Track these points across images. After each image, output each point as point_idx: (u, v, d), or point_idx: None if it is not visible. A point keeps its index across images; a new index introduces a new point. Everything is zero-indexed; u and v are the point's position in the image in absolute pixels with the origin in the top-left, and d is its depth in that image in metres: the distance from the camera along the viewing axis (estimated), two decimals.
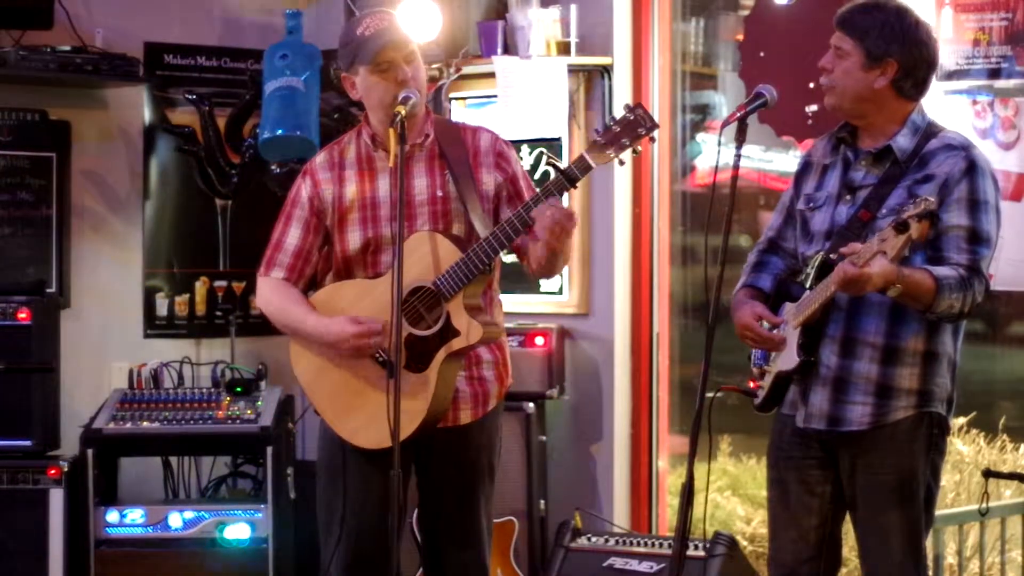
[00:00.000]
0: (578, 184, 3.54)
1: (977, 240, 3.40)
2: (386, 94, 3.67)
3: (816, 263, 3.46)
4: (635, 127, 3.48)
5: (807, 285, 3.47)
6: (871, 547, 3.50)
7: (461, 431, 3.76)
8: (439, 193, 3.72)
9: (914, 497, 3.47)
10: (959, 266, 3.37)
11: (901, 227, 3.18)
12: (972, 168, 3.43)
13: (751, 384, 3.64)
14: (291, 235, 3.82)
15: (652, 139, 3.52)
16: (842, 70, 3.49)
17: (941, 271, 3.33)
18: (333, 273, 3.82)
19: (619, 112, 3.51)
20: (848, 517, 3.60)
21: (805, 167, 3.69)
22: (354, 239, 3.75)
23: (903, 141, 3.49)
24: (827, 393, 3.50)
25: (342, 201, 3.76)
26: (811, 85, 4.62)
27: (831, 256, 3.39)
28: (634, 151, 3.51)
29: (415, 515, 4.62)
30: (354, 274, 3.78)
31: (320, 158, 3.85)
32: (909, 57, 3.46)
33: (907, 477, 3.46)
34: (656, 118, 5.20)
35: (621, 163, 3.55)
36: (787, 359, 3.50)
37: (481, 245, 3.57)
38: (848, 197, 3.52)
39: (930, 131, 3.52)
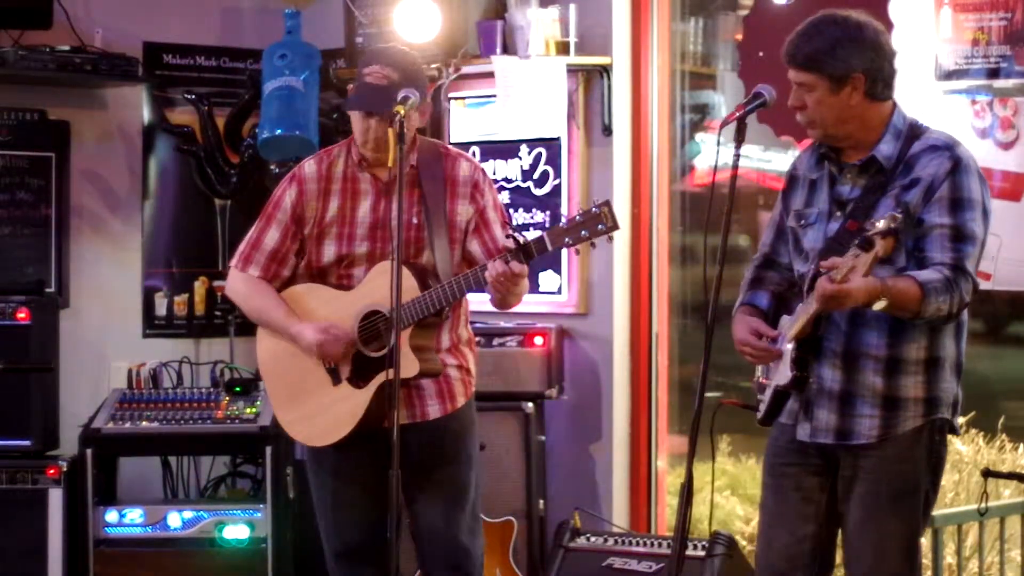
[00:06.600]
0: (532, 260, 3.65)
1: (961, 238, 3.35)
2: (359, 136, 3.82)
3: (809, 279, 3.43)
4: (596, 223, 3.58)
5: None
6: (864, 554, 3.47)
7: (431, 425, 3.84)
8: (414, 220, 3.82)
9: (915, 506, 3.46)
10: (943, 266, 3.32)
11: (866, 245, 3.15)
12: (956, 167, 3.39)
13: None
14: (269, 236, 3.91)
15: (610, 239, 3.61)
16: (814, 102, 3.43)
17: (925, 275, 3.29)
18: (306, 275, 3.92)
19: (590, 206, 3.61)
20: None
21: (791, 181, 3.65)
22: (329, 252, 3.86)
23: (886, 148, 3.45)
24: (834, 407, 3.46)
25: (324, 216, 3.86)
26: None
27: (819, 271, 3.33)
28: (591, 244, 3.61)
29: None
30: (327, 280, 3.89)
31: (309, 167, 3.92)
32: (870, 63, 3.42)
33: (909, 487, 3.45)
34: (655, 118, 5.25)
35: (577, 252, 3.64)
36: (782, 373, 3.48)
37: (436, 292, 3.70)
38: (838, 213, 3.48)
39: (913, 133, 3.48)
